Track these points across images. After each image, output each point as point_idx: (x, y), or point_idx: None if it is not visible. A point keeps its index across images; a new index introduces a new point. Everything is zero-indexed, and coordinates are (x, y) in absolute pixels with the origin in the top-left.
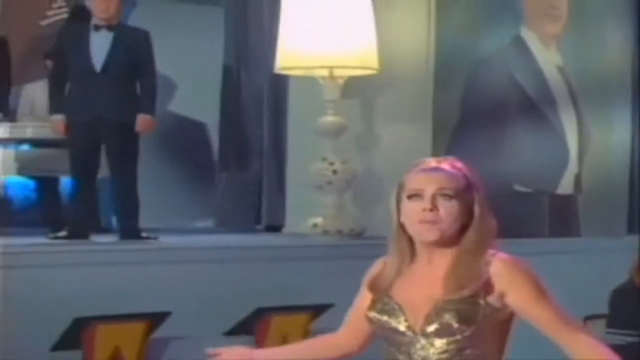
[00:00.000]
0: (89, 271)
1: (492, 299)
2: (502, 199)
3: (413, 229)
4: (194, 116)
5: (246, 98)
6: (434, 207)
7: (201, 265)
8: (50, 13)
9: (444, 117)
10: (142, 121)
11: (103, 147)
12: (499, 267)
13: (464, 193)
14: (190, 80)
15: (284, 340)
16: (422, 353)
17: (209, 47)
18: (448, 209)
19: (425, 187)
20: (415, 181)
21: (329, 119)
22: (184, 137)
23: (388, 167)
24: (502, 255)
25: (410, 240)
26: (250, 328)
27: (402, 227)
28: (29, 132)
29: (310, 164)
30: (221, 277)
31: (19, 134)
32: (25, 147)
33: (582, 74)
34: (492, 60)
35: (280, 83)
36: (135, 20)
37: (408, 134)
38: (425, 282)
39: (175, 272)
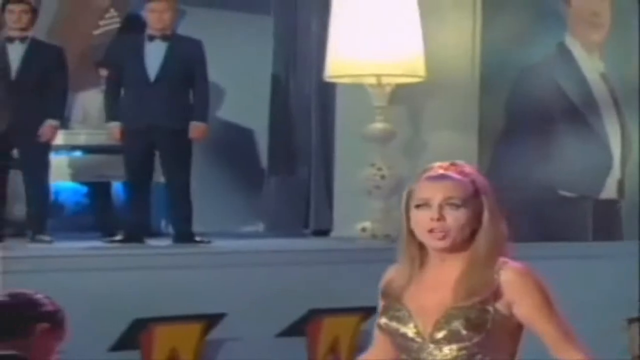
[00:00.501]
0: (144, 274)
1: (501, 307)
2: (548, 204)
3: (422, 237)
4: (242, 123)
5: (294, 105)
6: (441, 217)
7: (252, 268)
8: (103, 23)
9: (489, 123)
10: (195, 128)
11: (157, 154)
12: (510, 275)
13: (472, 200)
14: (238, 88)
15: (335, 341)
16: (431, 359)
17: (259, 56)
18: (456, 218)
19: (432, 197)
20: (422, 190)
21: (378, 125)
22: (232, 143)
23: None
24: (514, 263)
25: (421, 246)
26: (302, 329)
27: (412, 233)
28: (82, 139)
29: (358, 169)
30: (272, 279)
31: (72, 140)
32: (78, 154)
33: (624, 80)
34: (537, 67)
35: (327, 90)
36: (185, 29)
37: (454, 141)
38: (435, 288)
39: (228, 275)
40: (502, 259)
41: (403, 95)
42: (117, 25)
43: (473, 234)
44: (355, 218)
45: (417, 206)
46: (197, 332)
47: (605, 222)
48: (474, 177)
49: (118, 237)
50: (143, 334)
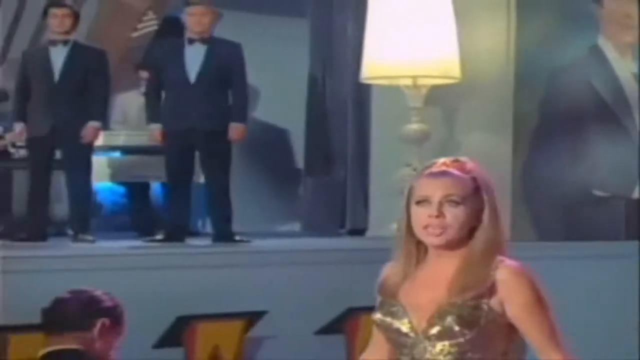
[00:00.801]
0: (185, 273)
1: (494, 304)
2: (581, 204)
3: (419, 234)
4: (279, 124)
5: (331, 106)
6: (440, 214)
7: (291, 267)
8: (141, 25)
9: (523, 124)
10: (234, 129)
11: (197, 155)
12: (504, 273)
13: (472, 197)
14: (275, 89)
15: None
16: (424, 355)
17: (295, 58)
18: (455, 215)
19: (431, 194)
20: (422, 187)
21: (413, 126)
22: (269, 144)
23: None
24: (510, 262)
25: (418, 243)
26: (340, 327)
27: (410, 230)
28: (121, 140)
29: (394, 169)
30: (310, 278)
31: (111, 141)
32: (117, 154)
33: None
34: (570, 68)
35: (363, 92)
36: (223, 32)
37: (488, 141)
38: (431, 284)
39: (267, 274)
40: (499, 258)
41: (438, 96)
42: (155, 28)
43: (471, 231)
44: (391, 218)
45: (417, 202)
46: (238, 330)
47: (638, 221)
48: (476, 174)
49: (159, 237)
50: (186, 332)
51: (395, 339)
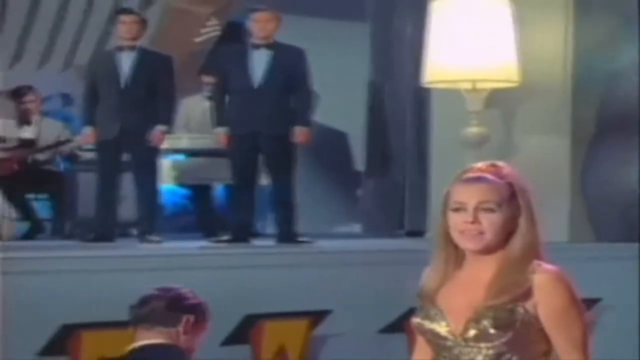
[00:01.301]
0: (251, 273)
1: (530, 307)
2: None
3: (457, 239)
4: (339, 127)
5: (390, 109)
6: (475, 220)
7: (352, 267)
8: (204, 31)
9: (581, 127)
10: (299, 133)
11: (262, 157)
12: (541, 278)
13: (508, 203)
14: (335, 93)
15: None
16: (462, 358)
17: (355, 61)
18: (490, 221)
19: (467, 200)
20: (458, 193)
21: (473, 129)
22: (329, 147)
23: (527, 176)
24: (548, 266)
25: (456, 247)
26: (402, 326)
27: (448, 234)
28: (185, 143)
29: (453, 172)
30: (372, 278)
31: (175, 144)
32: (180, 157)
33: None
34: (628, 71)
35: (422, 95)
36: (283, 36)
37: (546, 144)
38: (468, 288)
39: (330, 274)
40: (536, 262)
41: (497, 100)
42: (218, 33)
43: (508, 234)
44: None
45: (453, 209)
46: (304, 328)
47: None
48: (512, 179)
49: (225, 237)
50: (253, 330)
51: (435, 341)
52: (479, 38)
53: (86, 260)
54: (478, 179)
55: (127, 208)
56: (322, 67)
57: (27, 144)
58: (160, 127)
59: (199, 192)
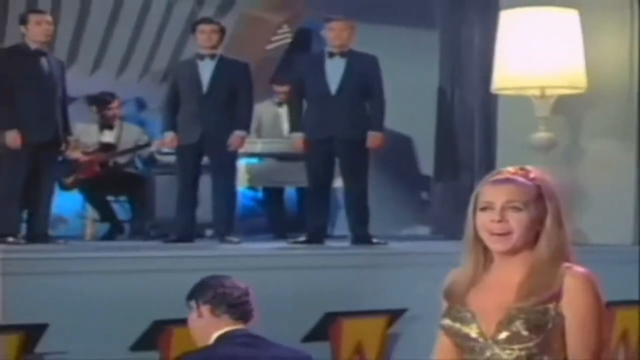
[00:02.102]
0: (327, 273)
1: (561, 309)
2: None
3: (485, 239)
4: (408, 132)
5: (459, 115)
6: (502, 219)
7: (424, 268)
8: (275, 38)
9: None
10: (373, 138)
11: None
12: (571, 280)
13: (535, 204)
14: (405, 98)
15: None
16: (493, 359)
17: (425, 68)
18: (517, 221)
19: (494, 200)
20: (486, 193)
21: (541, 134)
22: (398, 151)
23: (593, 180)
24: (578, 268)
25: (485, 249)
26: None
27: (477, 236)
28: (258, 147)
29: None
30: (443, 278)
31: (248, 148)
32: (253, 161)
33: None
34: None
35: (490, 101)
36: (355, 43)
37: (612, 149)
38: (498, 289)
39: (403, 274)
40: (566, 264)
41: (564, 105)
42: (289, 40)
43: (536, 236)
44: None
45: (482, 209)
46: (381, 326)
47: None
48: (540, 181)
49: (301, 239)
50: (332, 327)
51: (464, 343)
52: (547, 46)
53: (171, 260)
54: (506, 180)
55: (203, 210)
56: (392, 73)
57: (108, 148)
58: (239, 132)
59: (272, 194)
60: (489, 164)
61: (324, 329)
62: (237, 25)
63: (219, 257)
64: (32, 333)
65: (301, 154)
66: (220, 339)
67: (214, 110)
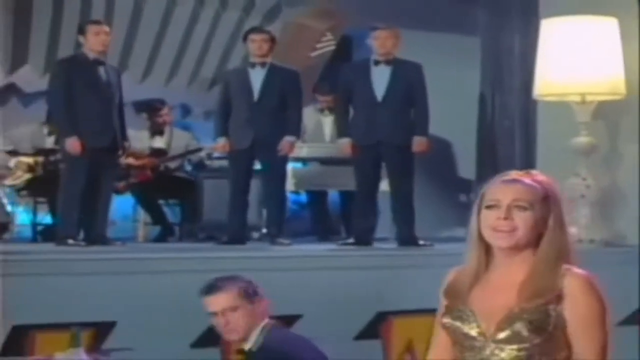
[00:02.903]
0: (375, 273)
1: (562, 311)
2: None
3: (489, 236)
4: (448, 137)
5: (500, 120)
6: (508, 217)
7: None
8: (319, 46)
9: None
10: (418, 143)
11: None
12: (572, 282)
13: (540, 205)
14: (446, 103)
15: None
16: (492, 359)
17: (466, 74)
18: (522, 219)
19: (501, 198)
20: (493, 192)
21: (582, 139)
22: (435, 155)
23: (632, 183)
24: (579, 271)
25: (488, 249)
26: None
27: (481, 235)
28: (304, 152)
29: (562, 179)
30: None
31: (297, 153)
32: (298, 165)
33: None
34: None
35: (530, 106)
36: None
37: None
38: (500, 289)
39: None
40: (566, 266)
41: (604, 111)
42: (332, 48)
43: (538, 238)
44: None
45: (488, 207)
46: (430, 324)
47: None
48: (546, 185)
49: (350, 241)
50: (383, 326)
51: (463, 342)
52: (587, 54)
53: (228, 261)
54: (514, 181)
55: (251, 213)
56: (434, 78)
57: (159, 153)
58: (289, 138)
59: (316, 198)
60: (529, 168)
61: (375, 327)
62: (282, 33)
63: (272, 258)
64: (101, 330)
65: (344, 158)
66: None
67: (265, 116)
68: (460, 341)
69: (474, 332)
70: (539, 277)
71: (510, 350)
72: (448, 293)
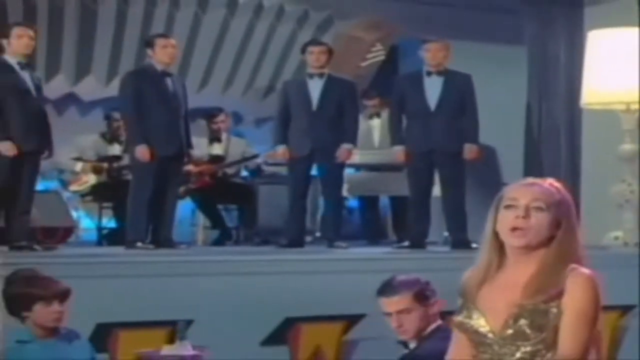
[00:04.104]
0: (430, 275)
1: (561, 307)
2: None
3: (504, 235)
4: (495, 144)
5: (546, 127)
6: (526, 216)
7: None
8: (369, 56)
9: None
10: (470, 150)
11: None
12: (572, 279)
13: (555, 208)
14: (494, 111)
15: None
16: (502, 355)
17: (513, 83)
18: (539, 219)
19: (520, 198)
20: (512, 192)
21: (627, 146)
22: (486, 162)
23: None
24: (581, 269)
25: (500, 249)
26: None
27: (495, 236)
28: (357, 159)
29: (608, 185)
30: None
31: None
32: (350, 171)
33: None
34: None
35: (575, 114)
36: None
37: None
38: (507, 288)
39: None
40: (572, 265)
41: None
42: (382, 58)
43: (549, 240)
44: (605, 228)
45: (506, 206)
46: None
47: None
48: (561, 190)
49: (405, 244)
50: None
51: (476, 339)
52: (632, 64)
53: (286, 263)
54: (532, 184)
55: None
56: (482, 87)
57: (217, 160)
58: (346, 145)
59: (368, 203)
60: (574, 174)
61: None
62: (334, 44)
63: (331, 260)
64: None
65: (394, 164)
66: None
67: (323, 125)
68: (474, 338)
69: (484, 330)
70: (543, 276)
71: (517, 346)
72: (461, 292)
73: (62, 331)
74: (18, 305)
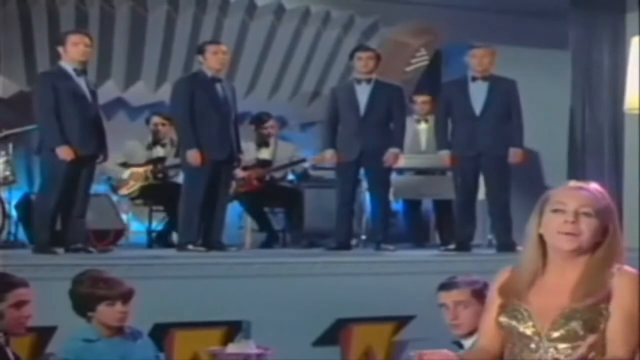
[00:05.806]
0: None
1: (611, 308)
2: None
3: (552, 238)
4: (540, 148)
5: (589, 132)
6: (575, 221)
7: None
8: (414, 61)
9: None
10: (515, 154)
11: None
12: (619, 279)
13: (602, 214)
14: (537, 116)
15: None
16: (546, 357)
17: (557, 87)
18: (587, 225)
19: (569, 202)
20: (561, 196)
21: None
22: (530, 166)
23: None
24: (627, 268)
25: (544, 251)
26: None
27: (539, 238)
28: (402, 162)
29: None
30: None
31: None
32: (393, 175)
33: None
34: None
35: (618, 119)
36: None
37: None
38: (554, 291)
39: None
40: (617, 265)
41: None
42: (426, 63)
43: (595, 245)
44: None
45: (554, 210)
46: None
47: None
48: (606, 195)
49: (451, 246)
50: None
51: (518, 340)
52: None
53: (335, 265)
54: (580, 188)
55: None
56: (526, 91)
57: (265, 164)
58: (394, 150)
59: (412, 206)
60: (617, 178)
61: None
62: (381, 48)
63: (379, 262)
64: (232, 328)
65: (439, 168)
66: None
67: (371, 129)
68: (515, 340)
69: (529, 332)
70: (590, 279)
71: (563, 348)
72: (503, 291)
73: (126, 330)
74: (84, 305)
